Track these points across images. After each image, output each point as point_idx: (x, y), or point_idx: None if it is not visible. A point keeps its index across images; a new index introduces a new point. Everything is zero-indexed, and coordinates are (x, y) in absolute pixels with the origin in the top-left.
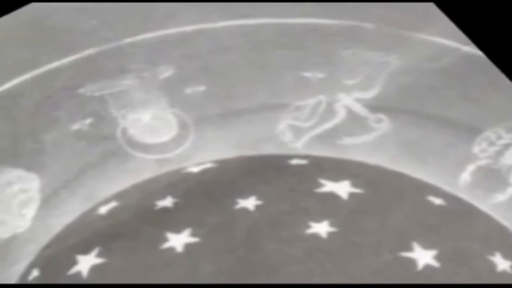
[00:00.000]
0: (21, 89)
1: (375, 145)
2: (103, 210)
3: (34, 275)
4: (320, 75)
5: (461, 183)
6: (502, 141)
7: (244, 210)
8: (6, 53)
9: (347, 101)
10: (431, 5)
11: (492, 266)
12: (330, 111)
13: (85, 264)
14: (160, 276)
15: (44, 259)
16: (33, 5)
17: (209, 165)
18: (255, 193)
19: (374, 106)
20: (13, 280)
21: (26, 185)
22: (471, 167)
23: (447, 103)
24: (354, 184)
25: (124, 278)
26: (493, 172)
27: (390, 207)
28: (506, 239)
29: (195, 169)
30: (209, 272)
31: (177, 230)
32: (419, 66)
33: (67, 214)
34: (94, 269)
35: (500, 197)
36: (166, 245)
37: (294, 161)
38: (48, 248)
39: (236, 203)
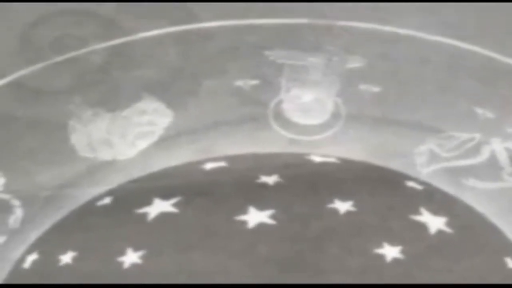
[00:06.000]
0: (215, 33)
1: (493, 194)
2: (209, 166)
3: (104, 202)
4: (490, 115)
5: None
6: None
7: (334, 211)
8: None
9: (497, 147)
10: None
11: None
12: (475, 150)
13: (157, 208)
14: (215, 243)
15: (123, 191)
16: None
17: (332, 160)
18: (354, 199)
19: None
20: (80, 201)
21: (157, 119)
22: None
23: None
24: (449, 224)
25: (181, 233)
26: None
27: (465, 255)
28: None
29: (317, 159)
30: (262, 255)
31: (262, 207)
32: None
33: (173, 159)
34: (161, 216)
35: None
36: (242, 217)
37: (410, 184)
38: (134, 183)
39: (331, 202)
